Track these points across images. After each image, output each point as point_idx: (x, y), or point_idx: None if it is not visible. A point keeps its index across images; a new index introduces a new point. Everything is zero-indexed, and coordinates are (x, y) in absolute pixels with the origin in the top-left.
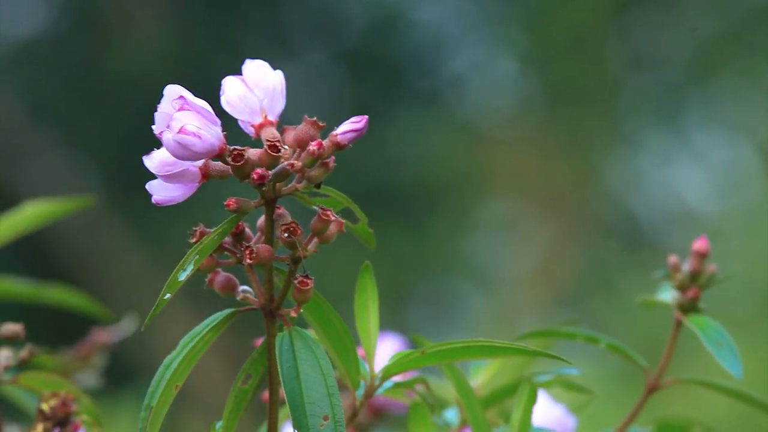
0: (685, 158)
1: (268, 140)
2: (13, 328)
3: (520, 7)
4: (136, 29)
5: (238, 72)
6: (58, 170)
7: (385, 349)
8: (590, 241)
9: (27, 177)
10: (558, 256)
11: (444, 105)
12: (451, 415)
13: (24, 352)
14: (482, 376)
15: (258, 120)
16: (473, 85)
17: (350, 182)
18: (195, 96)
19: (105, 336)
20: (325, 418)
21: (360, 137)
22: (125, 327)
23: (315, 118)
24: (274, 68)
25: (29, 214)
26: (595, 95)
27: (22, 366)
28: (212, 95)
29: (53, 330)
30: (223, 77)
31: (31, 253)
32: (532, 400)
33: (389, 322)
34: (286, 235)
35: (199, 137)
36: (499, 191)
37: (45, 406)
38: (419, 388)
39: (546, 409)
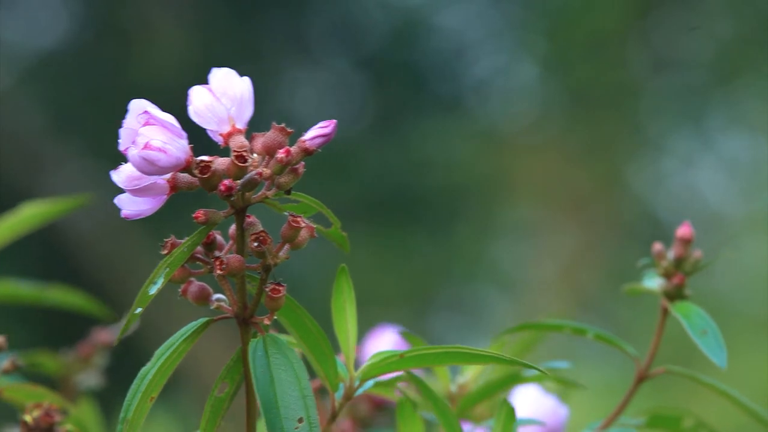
0: (709, 161)
1: (234, 150)
2: None
3: (541, 12)
4: (157, 38)
5: (264, 80)
6: (81, 180)
7: (384, 344)
8: (614, 245)
9: (49, 187)
10: (582, 260)
11: (466, 110)
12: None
13: (6, 364)
14: (472, 370)
15: (226, 129)
16: (495, 91)
17: (373, 188)
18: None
19: (106, 336)
20: (300, 420)
21: (329, 142)
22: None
23: (283, 124)
24: (296, 75)
25: (27, 215)
26: (617, 98)
27: (12, 375)
28: None
29: (57, 331)
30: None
31: (55, 260)
32: (511, 420)
33: (413, 327)
34: (255, 244)
35: (165, 152)
36: (522, 196)
37: (28, 418)
38: (404, 386)
39: (537, 400)
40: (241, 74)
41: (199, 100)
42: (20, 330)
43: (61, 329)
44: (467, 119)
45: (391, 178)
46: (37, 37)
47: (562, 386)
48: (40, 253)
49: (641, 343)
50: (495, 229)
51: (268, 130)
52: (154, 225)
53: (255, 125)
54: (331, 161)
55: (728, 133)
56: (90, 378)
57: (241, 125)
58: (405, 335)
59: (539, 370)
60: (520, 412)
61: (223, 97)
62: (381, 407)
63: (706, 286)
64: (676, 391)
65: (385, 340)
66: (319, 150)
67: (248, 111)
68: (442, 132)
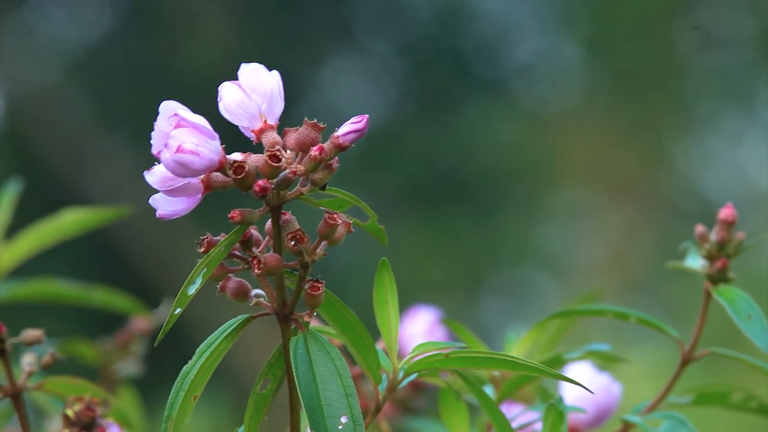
0: (757, 139)
1: (268, 150)
2: (34, 333)
3: None
4: (202, 28)
5: (308, 67)
6: (127, 174)
7: (419, 324)
8: (662, 226)
9: (96, 181)
10: (630, 241)
11: (510, 94)
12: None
13: (46, 358)
14: (516, 351)
15: (258, 125)
16: (539, 73)
17: (419, 173)
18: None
19: (143, 324)
20: (344, 419)
21: (361, 137)
22: (163, 313)
23: (315, 120)
24: (339, 62)
25: (67, 221)
26: (662, 78)
27: (48, 370)
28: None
29: (101, 320)
30: (291, 73)
31: (112, 260)
32: (558, 423)
33: (463, 312)
34: (292, 243)
35: (198, 154)
36: (570, 178)
37: (70, 412)
38: (446, 376)
39: (590, 378)
40: (285, 61)
41: (230, 97)
42: (57, 319)
43: (98, 317)
44: (512, 102)
45: (437, 163)
46: (82, 31)
47: (607, 363)
48: (97, 253)
49: (692, 325)
50: (542, 212)
51: (310, 120)
52: (206, 218)
53: (300, 114)
54: (376, 148)
55: None
56: (129, 366)
57: (272, 121)
58: (448, 323)
59: (576, 383)
60: (573, 391)
61: (253, 93)
62: (420, 389)
63: (753, 266)
64: (727, 374)
65: (421, 321)
66: (352, 146)
67: (279, 106)
68: (486, 116)
